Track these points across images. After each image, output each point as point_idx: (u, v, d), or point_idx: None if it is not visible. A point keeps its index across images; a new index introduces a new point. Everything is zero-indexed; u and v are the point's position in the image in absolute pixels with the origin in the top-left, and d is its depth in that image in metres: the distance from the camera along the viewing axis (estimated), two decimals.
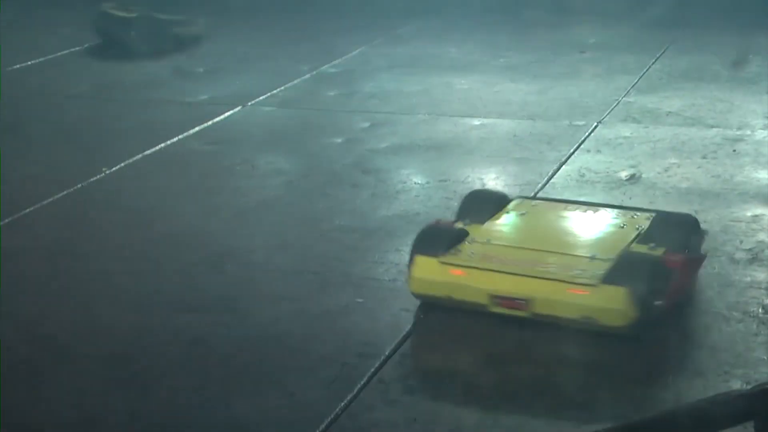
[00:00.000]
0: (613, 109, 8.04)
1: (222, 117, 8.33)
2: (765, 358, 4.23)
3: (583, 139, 7.28)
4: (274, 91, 9.11)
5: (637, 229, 4.81)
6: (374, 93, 9.03)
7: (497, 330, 4.56)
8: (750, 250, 5.27)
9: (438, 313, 4.70)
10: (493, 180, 6.63)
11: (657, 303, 4.31)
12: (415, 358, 4.47)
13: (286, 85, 9.31)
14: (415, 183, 6.59)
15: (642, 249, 4.60)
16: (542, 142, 7.28)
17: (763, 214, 5.72)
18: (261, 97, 8.90)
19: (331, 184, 6.63)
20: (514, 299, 4.42)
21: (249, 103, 8.72)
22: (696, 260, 4.84)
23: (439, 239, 4.75)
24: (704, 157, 6.77)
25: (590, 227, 4.97)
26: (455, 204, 6.03)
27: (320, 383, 4.19)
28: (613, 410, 3.92)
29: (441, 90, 9.02)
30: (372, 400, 4.06)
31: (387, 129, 7.83)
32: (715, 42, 10.28)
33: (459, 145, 7.32)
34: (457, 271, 4.55)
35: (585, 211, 5.17)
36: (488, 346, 4.45)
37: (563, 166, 6.69)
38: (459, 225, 4.96)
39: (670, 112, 7.92)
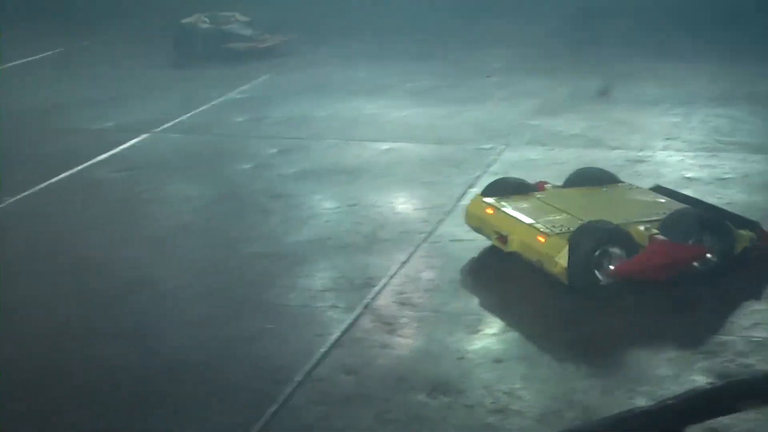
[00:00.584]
0: (519, 132, 8.22)
1: (128, 144, 8.28)
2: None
3: (490, 162, 7.43)
4: (182, 118, 9.10)
5: (659, 214, 5.38)
6: (283, 118, 9.08)
7: (406, 356, 4.65)
8: None
9: (353, 336, 4.77)
10: (402, 204, 6.72)
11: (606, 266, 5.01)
12: (328, 382, 4.51)
13: (195, 111, 9.31)
14: (325, 208, 6.65)
15: (637, 226, 5.21)
16: (451, 165, 7.41)
17: None
18: (168, 124, 8.87)
19: (241, 210, 6.65)
20: (503, 236, 5.44)
21: (156, 130, 8.69)
22: (685, 250, 5.14)
23: (499, 187, 5.87)
24: None
25: (624, 202, 5.75)
26: (366, 228, 6.14)
27: (233, 410, 4.20)
28: None
29: (350, 115, 9.11)
30: (285, 427, 4.09)
31: (296, 154, 7.87)
32: (616, 65, 10.60)
33: (368, 170, 7.40)
34: (490, 210, 5.67)
35: (631, 189, 6.01)
36: (399, 372, 4.51)
37: (471, 189, 6.81)
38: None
39: (574, 134, 8.13)
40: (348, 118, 8.97)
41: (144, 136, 8.53)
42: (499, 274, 5.46)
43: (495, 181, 6.05)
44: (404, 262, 5.63)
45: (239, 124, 8.93)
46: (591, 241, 5.05)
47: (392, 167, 7.47)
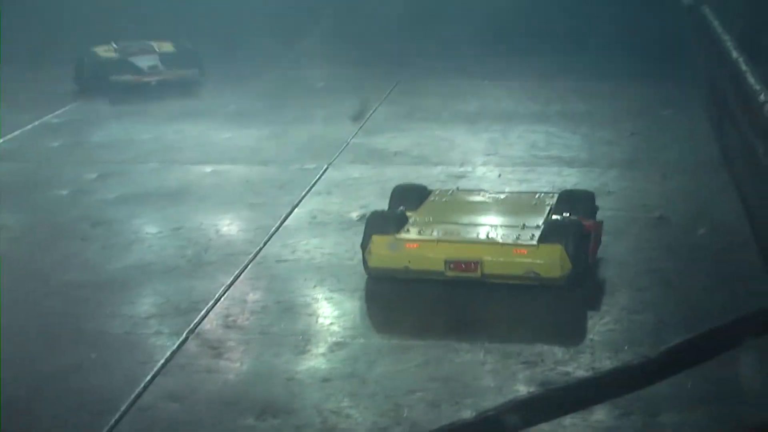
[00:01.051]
0: (342, 151, 8.30)
1: None
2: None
3: (314, 181, 7.47)
4: None
5: (548, 204, 5.91)
6: (102, 142, 8.87)
7: (233, 379, 4.61)
8: None
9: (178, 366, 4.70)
10: (227, 226, 6.68)
11: (583, 257, 5.39)
12: (153, 410, 4.41)
13: (5, 138, 8.96)
14: (147, 233, 6.53)
15: (558, 217, 5.65)
16: (275, 186, 7.41)
17: None
18: None
19: (58, 238, 6.44)
20: (467, 262, 5.33)
21: None
22: (600, 225, 5.90)
23: (385, 221, 5.67)
24: None
25: (509, 206, 6.02)
26: (190, 252, 6.06)
27: None
28: None
29: (172, 138, 8.99)
30: None
31: (117, 179, 7.70)
32: (437, 84, 10.86)
33: (192, 193, 7.32)
34: (413, 245, 5.46)
35: (499, 195, 6.27)
36: (227, 396, 4.47)
37: (296, 209, 6.84)
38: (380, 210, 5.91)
39: (397, 152, 8.28)
40: (170, 141, 8.85)
41: None
42: (326, 294, 5.48)
43: (377, 212, 5.82)
44: (230, 285, 5.58)
45: (55, 150, 8.67)
46: (576, 238, 5.36)
47: (216, 189, 7.41)
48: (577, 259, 5.32)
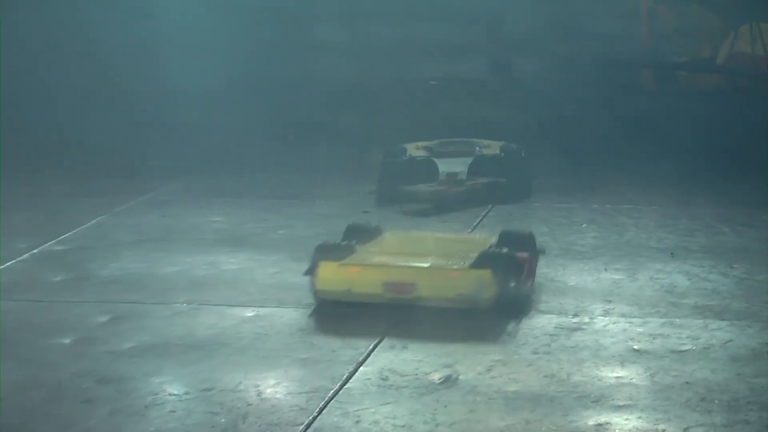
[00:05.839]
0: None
1: None
2: None
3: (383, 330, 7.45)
4: None
5: (483, 240, 8.34)
6: (115, 277, 8.97)
7: None
8: None
9: None
10: (271, 387, 6.65)
11: (512, 284, 7.51)
12: None
13: None
14: (169, 394, 6.52)
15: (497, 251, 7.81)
16: (335, 337, 7.39)
17: (609, 423, 5.96)
18: None
19: (55, 400, 6.45)
20: (403, 284, 7.48)
21: None
22: (535, 257, 8.23)
23: (332, 251, 7.98)
24: (535, 352, 7.04)
25: (451, 243, 8.52)
26: (223, 420, 6.05)
27: None
28: None
29: (204, 271, 9.07)
30: None
31: (132, 324, 7.75)
32: (542, 207, 10.88)
33: (227, 344, 7.32)
34: (355, 269, 7.69)
35: (443, 234, 9.06)
36: None
37: (361, 367, 6.79)
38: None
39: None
40: (201, 276, 8.93)
41: None
42: None
43: (326, 243, 8.11)
44: None
45: (56, 285, 8.79)
46: (504, 265, 7.57)
47: (258, 340, 7.41)
48: (505, 285, 7.43)
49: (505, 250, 7.70)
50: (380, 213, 10.77)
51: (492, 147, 11.83)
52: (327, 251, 7.91)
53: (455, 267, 7.63)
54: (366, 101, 15.37)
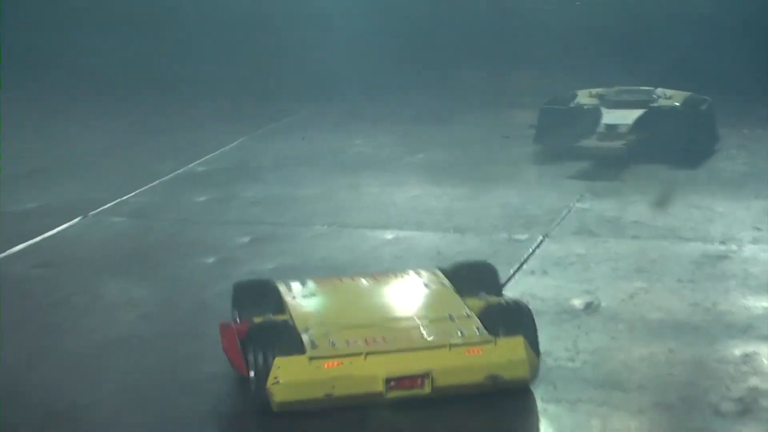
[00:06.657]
0: (563, 218, 8.23)
1: (55, 231, 8.25)
2: None
3: (526, 257, 7.40)
4: (126, 197, 9.08)
5: (444, 284, 5.88)
6: (257, 198, 9.07)
7: None
8: (740, 399, 5.36)
9: None
10: None
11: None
12: None
13: (142, 189, 9.30)
14: None
15: (480, 301, 5.62)
16: None
17: (756, 353, 5.84)
18: (107, 205, 8.86)
19: (198, 319, 6.56)
20: (412, 377, 5.11)
21: (91, 213, 8.67)
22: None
23: (280, 336, 5.23)
24: (680, 281, 6.93)
25: (403, 292, 5.90)
26: None
27: None
28: None
29: (344, 194, 9.12)
30: None
31: (274, 245, 7.84)
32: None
33: (367, 266, 7.33)
34: (334, 363, 5.10)
35: (377, 279, 6.08)
36: None
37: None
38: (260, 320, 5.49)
39: (635, 221, 8.12)
40: (342, 199, 8.99)
41: (74, 221, 8.50)
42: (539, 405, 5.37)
43: (266, 324, 5.42)
44: None
45: (200, 206, 8.92)
46: (532, 326, 5.46)
47: (398, 262, 7.40)
48: (537, 350, 5.41)
49: (509, 301, 5.68)
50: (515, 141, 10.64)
51: (675, 98, 10.54)
52: (277, 338, 5.22)
53: (475, 339, 5.27)
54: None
